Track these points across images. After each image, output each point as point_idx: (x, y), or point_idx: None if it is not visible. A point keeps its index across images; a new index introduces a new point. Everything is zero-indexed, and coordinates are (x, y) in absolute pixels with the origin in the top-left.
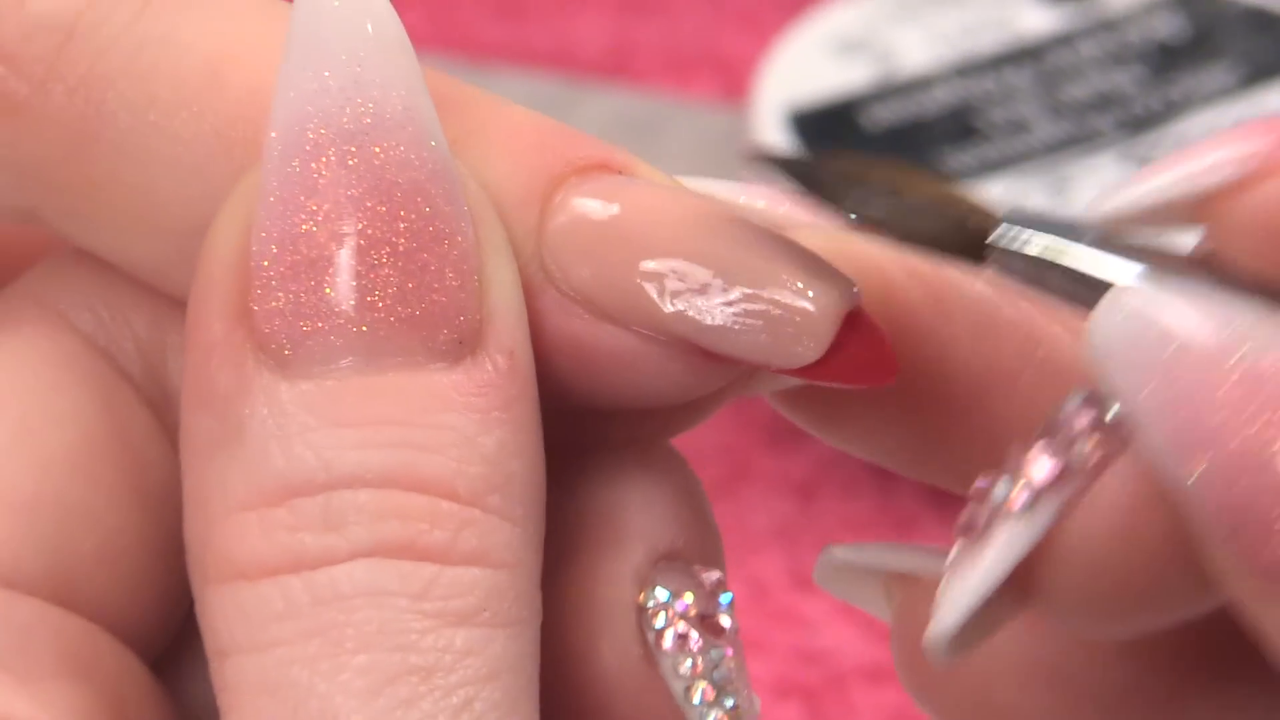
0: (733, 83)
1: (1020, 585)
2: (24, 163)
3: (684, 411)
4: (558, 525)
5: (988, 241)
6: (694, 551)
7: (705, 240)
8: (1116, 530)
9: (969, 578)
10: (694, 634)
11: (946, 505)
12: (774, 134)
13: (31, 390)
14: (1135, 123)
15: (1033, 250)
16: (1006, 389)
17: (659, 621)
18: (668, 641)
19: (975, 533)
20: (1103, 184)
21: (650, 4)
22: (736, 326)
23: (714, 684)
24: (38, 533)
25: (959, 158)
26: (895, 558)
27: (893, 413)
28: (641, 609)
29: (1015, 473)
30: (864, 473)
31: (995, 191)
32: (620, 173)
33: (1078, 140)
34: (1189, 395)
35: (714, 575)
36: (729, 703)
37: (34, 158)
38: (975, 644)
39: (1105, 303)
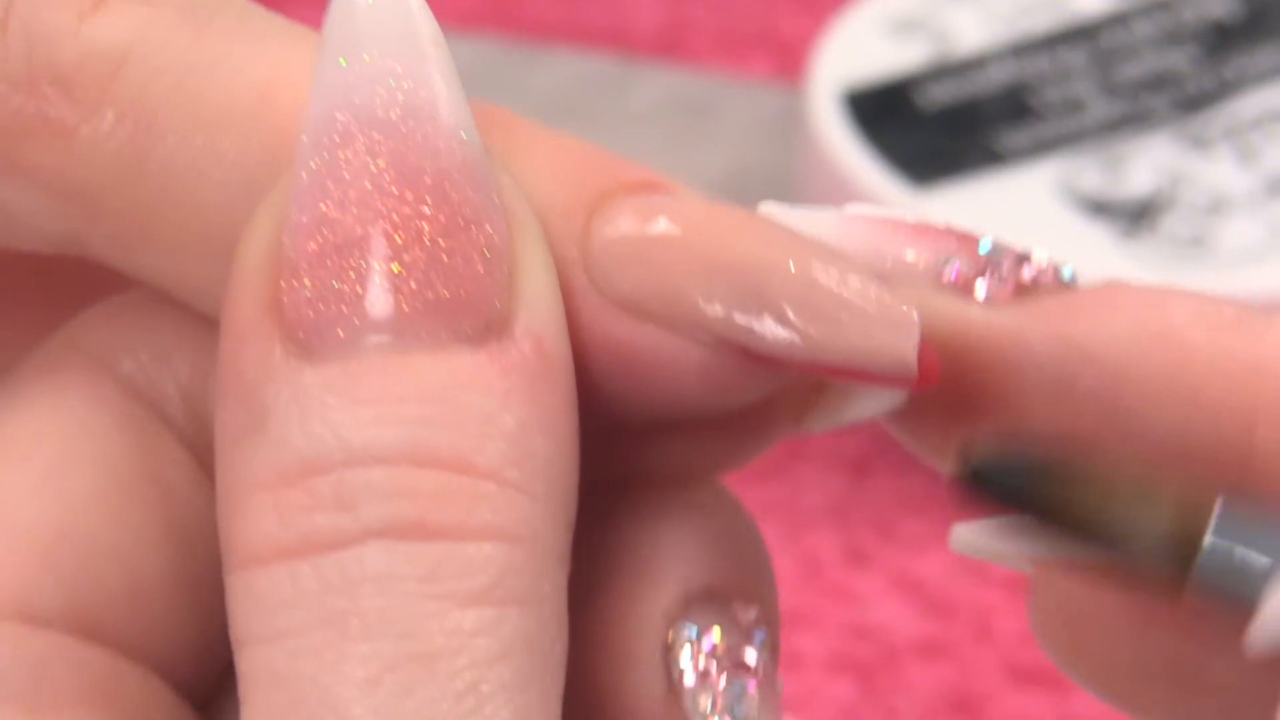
0: (788, 62)
1: None
2: (73, 188)
3: (731, 447)
4: (595, 561)
5: (1193, 570)
6: (735, 589)
7: (761, 247)
8: None
9: None
10: (714, 670)
11: None
12: (829, 113)
13: (64, 433)
14: (1189, 102)
15: (1244, 587)
16: (1087, 448)
17: (683, 659)
18: (689, 678)
19: None
20: (1156, 163)
21: None
22: (801, 329)
23: (733, 718)
24: (59, 570)
25: (1013, 137)
26: (1018, 545)
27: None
28: (668, 646)
29: None
30: None
31: (1050, 172)
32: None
33: (1132, 120)
34: None
35: (751, 612)
36: None
37: (83, 183)
38: None
39: None
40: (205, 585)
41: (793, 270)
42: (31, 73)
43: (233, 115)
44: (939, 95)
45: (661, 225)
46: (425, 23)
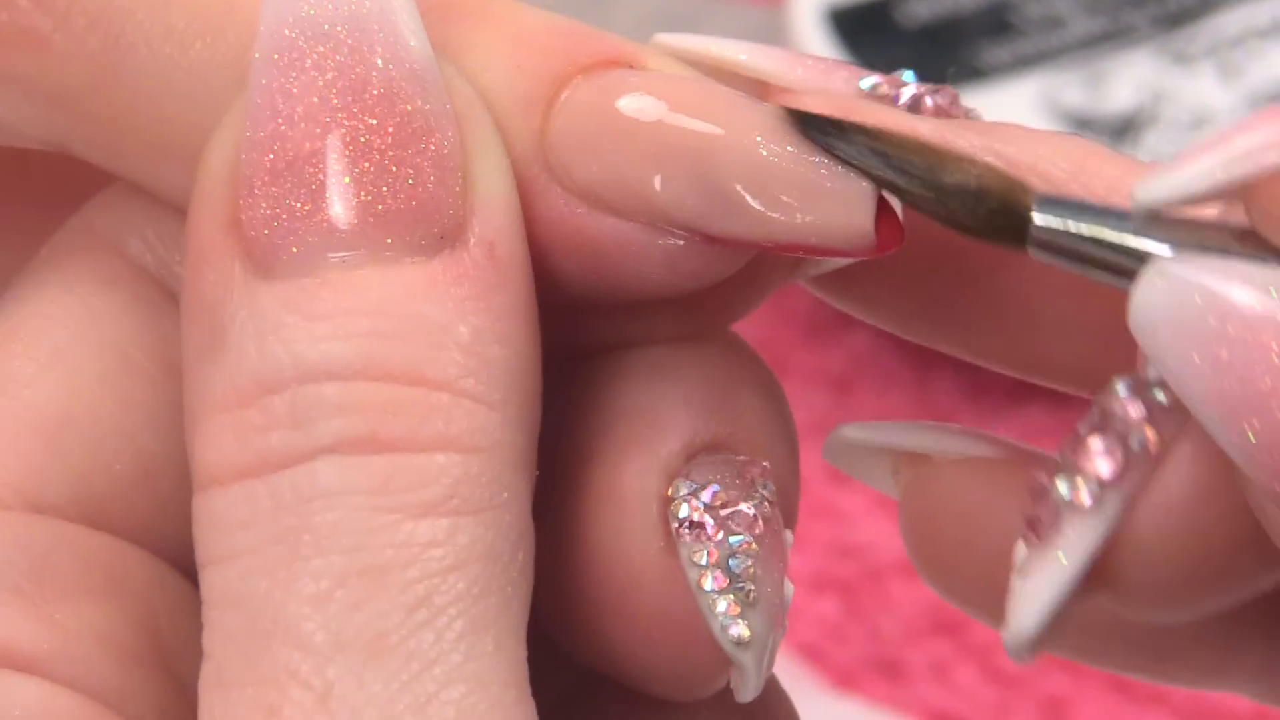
0: None
1: (1089, 579)
2: (51, 95)
3: (728, 303)
4: (600, 422)
5: (1031, 223)
6: (742, 443)
7: (713, 127)
8: (1184, 519)
9: (1046, 580)
10: (711, 523)
11: (982, 399)
12: (811, 30)
13: (70, 316)
14: (1170, 18)
15: (1078, 230)
16: (1013, 263)
17: (681, 512)
18: (685, 531)
19: (1043, 532)
20: (1138, 80)
21: None
22: (767, 213)
23: (727, 571)
24: (65, 455)
25: (995, 53)
26: (906, 436)
27: (905, 283)
28: (667, 500)
29: (1075, 469)
30: (900, 367)
31: (1032, 88)
32: (630, 67)
33: (1113, 36)
34: (1237, 361)
35: (757, 467)
36: (744, 589)
37: (60, 90)
38: (1050, 639)
39: (1146, 275)
40: None
41: (745, 150)
42: None
43: (199, 27)
44: (920, 12)
45: (613, 113)
46: None
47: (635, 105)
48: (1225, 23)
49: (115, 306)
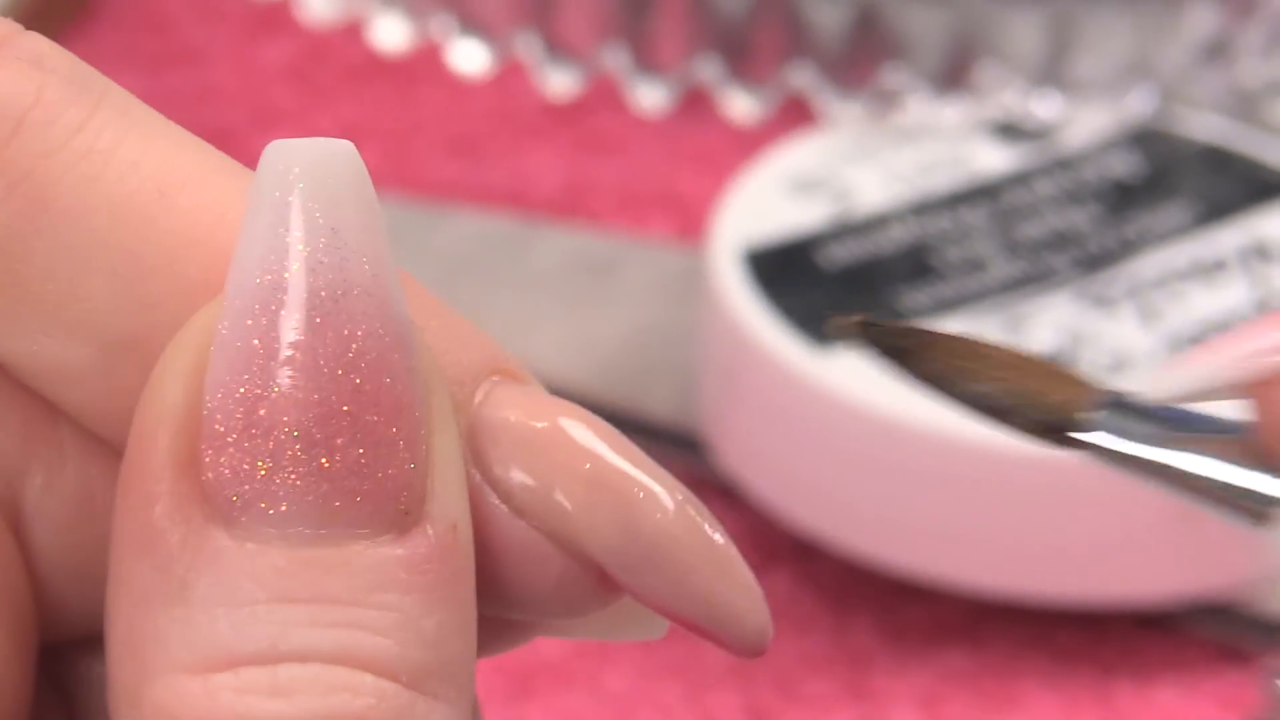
0: (689, 221)
1: None
2: None
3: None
4: None
5: (1082, 434)
6: None
7: (644, 482)
8: None
9: None
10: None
11: (901, 642)
12: (730, 273)
13: None
14: (1091, 261)
15: (1125, 449)
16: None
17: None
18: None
19: None
20: (1058, 323)
21: (606, 143)
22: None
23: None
24: None
25: (915, 296)
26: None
27: None
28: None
29: None
30: (818, 610)
31: (952, 330)
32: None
33: (1033, 279)
34: None
35: None
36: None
37: None
38: None
39: None
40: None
41: (679, 512)
42: None
43: (129, 208)
44: (840, 255)
45: (557, 428)
46: (367, 185)
47: (577, 428)
48: (1145, 265)
49: None
